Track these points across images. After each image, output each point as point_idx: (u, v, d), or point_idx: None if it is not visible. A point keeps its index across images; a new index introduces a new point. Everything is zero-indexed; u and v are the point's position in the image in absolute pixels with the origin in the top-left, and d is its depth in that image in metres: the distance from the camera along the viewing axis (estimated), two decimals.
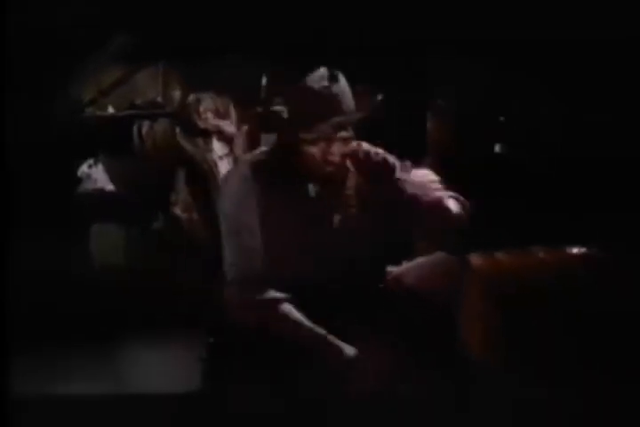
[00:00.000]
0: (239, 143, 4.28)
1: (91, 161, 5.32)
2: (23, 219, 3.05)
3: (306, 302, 2.52)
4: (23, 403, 2.79)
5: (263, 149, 2.76)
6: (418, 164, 3.64)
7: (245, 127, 4.35)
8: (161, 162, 4.77)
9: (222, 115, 4.34)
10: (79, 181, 5.27)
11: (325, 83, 2.50)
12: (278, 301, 2.51)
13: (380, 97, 2.79)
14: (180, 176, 4.44)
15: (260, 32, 4.72)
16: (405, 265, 2.70)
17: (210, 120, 4.36)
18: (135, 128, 5.25)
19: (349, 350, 2.45)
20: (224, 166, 4.18)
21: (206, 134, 4.31)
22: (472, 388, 2.34)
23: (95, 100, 5.44)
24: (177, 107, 4.90)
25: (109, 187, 5.33)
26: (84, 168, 5.32)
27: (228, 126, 4.31)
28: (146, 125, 5.19)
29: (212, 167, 4.13)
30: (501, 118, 4.09)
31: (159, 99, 5.39)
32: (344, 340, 2.48)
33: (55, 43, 4.64)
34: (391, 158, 2.72)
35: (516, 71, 4.13)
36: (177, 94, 5.33)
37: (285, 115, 2.57)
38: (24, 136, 3.62)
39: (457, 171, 2.84)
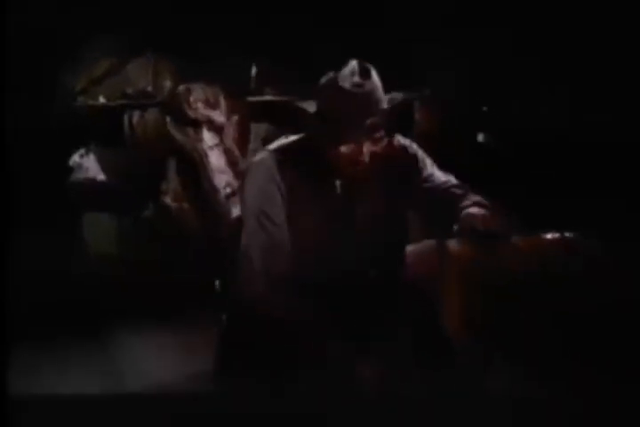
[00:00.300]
0: (229, 133, 4.32)
1: (82, 150, 5.33)
2: (15, 209, 3.06)
3: (322, 298, 2.46)
4: (21, 398, 2.79)
5: (287, 139, 2.63)
6: None
7: (235, 117, 4.38)
8: (152, 151, 4.79)
9: (212, 105, 4.38)
10: (71, 170, 5.28)
11: (357, 79, 2.41)
12: (298, 301, 2.44)
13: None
14: (171, 166, 4.47)
15: (250, 23, 4.73)
16: (410, 247, 2.69)
17: (200, 110, 4.39)
18: (126, 118, 5.27)
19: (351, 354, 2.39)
20: (214, 156, 4.22)
21: (196, 124, 4.34)
22: (454, 373, 2.37)
23: (87, 89, 5.44)
24: (167, 97, 4.92)
25: (101, 176, 5.34)
26: (75, 158, 5.33)
27: (218, 116, 4.34)
28: (137, 115, 5.21)
29: (203, 157, 4.17)
30: (484, 108, 4.12)
31: (150, 89, 5.40)
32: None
33: (48, 39, 4.65)
34: (419, 153, 2.70)
35: (502, 60, 4.15)
36: (167, 84, 5.34)
37: (314, 113, 2.50)
38: (17, 126, 3.63)
39: (443, 159, 2.85)
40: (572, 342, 2.38)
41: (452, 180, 2.73)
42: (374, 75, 2.47)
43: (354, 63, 2.47)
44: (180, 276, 4.38)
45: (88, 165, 5.34)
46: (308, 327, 2.41)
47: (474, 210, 2.54)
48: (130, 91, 5.43)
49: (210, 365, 2.72)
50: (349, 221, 2.56)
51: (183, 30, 4.87)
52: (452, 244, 2.47)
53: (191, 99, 4.46)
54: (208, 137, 4.27)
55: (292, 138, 2.61)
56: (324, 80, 2.48)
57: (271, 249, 2.47)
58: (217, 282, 2.85)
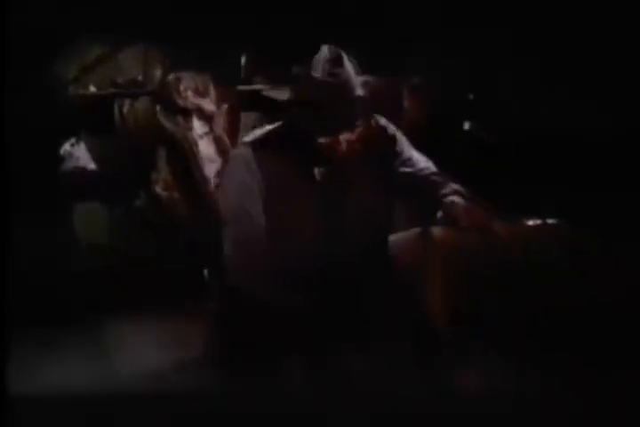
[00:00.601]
0: (219, 122, 4.32)
1: (73, 140, 5.33)
2: (5, 199, 3.07)
3: (310, 284, 2.50)
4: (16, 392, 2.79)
5: (263, 130, 2.66)
6: None
7: (225, 106, 4.38)
8: (142, 140, 4.79)
9: (202, 93, 4.38)
10: (61, 159, 5.28)
11: (330, 68, 2.42)
12: (275, 290, 2.48)
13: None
14: (161, 155, 4.48)
15: (241, 12, 4.73)
16: (393, 236, 2.69)
17: (190, 99, 4.39)
18: (116, 107, 5.27)
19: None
20: (204, 145, 4.22)
21: (186, 113, 4.34)
22: (437, 359, 2.39)
23: (78, 78, 5.43)
24: (157, 85, 4.91)
25: (91, 165, 5.35)
26: (66, 147, 5.33)
27: (208, 105, 4.34)
28: (127, 104, 5.21)
29: (193, 146, 4.17)
30: (470, 96, 4.13)
31: (140, 78, 5.39)
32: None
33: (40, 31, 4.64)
34: (398, 134, 2.70)
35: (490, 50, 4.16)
36: (158, 73, 5.33)
37: (289, 102, 2.50)
38: (8, 116, 3.64)
39: (430, 147, 2.87)
40: (556, 330, 2.39)
41: (432, 166, 2.72)
42: (347, 61, 2.48)
43: (325, 50, 2.46)
44: (171, 265, 4.39)
45: (78, 154, 5.33)
46: (295, 317, 2.43)
47: (456, 199, 2.54)
48: (120, 80, 5.42)
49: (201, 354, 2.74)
50: (331, 208, 2.57)
51: (173, 19, 4.87)
52: (436, 231, 2.48)
53: (181, 87, 4.46)
54: (198, 126, 4.27)
55: (269, 128, 2.63)
56: (297, 69, 2.48)
57: (247, 242, 2.47)
58: (205, 271, 2.88)
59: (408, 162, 2.68)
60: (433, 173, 2.69)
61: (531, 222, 2.47)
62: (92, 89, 5.41)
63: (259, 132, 2.63)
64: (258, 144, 2.58)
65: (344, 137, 2.45)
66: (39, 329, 3.93)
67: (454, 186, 2.65)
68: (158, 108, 4.31)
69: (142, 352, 3.72)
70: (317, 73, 2.40)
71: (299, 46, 4.36)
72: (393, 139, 2.68)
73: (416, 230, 2.59)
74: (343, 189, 2.58)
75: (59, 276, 4.58)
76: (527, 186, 3.71)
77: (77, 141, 5.33)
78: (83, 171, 5.30)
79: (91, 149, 5.32)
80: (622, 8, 3.90)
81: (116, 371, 3.56)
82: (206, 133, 4.25)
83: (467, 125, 4.10)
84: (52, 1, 4.56)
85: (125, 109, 5.15)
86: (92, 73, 5.38)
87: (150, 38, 5.29)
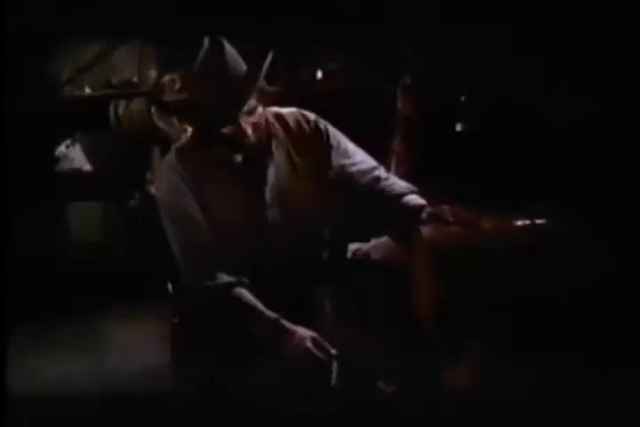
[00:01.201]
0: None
1: (68, 141, 5.35)
2: (3, 200, 3.08)
3: (260, 280, 2.50)
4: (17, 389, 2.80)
5: (187, 133, 2.72)
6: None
7: None
8: (137, 141, 4.82)
9: None
10: (57, 160, 5.30)
11: (210, 61, 2.43)
12: (229, 285, 2.49)
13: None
14: (156, 155, 4.50)
15: (235, 12, 4.74)
16: (374, 241, 2.71)
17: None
18: (112, 108, 5.28)
19: (303, 333, 2.43)
20: None
21: None
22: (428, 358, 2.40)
23: (73, 78, 5.45)
24: (152, 86, 4.92)
25: (86, 166, 5.37)
26: (61, 148, 5.35)
27: None
28: (122, 105, 5.23)
29: None
30: (462, 98, 4.16)
31: (135, 78, 5.41)
32: (300, 319, 2.46)
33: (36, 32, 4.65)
34: (330, 129, 2.67)
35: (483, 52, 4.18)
36: (153, 74, 5.34)
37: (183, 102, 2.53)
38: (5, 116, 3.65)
39: (423, 146, 2.88)
40: (543, 327, 2.41)
41: (371, 160, 2.71)
42: (228, 50, 2.49)
43: (206, 44, 2.48)
44: (165, 264, 4.40)
45: (74, 155, 5.36)
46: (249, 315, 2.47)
47: (415, 198, 2.58)
48: (115, 80, 5.44)
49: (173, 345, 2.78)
50: (261, 197, 2.57)
51: (168, 20, 4.87)
52: (426, 230, 2.49)
53: (176, 88, 4.46)
54: None
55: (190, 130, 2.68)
56: (181, 68, 2.50)
57: (187, 241, 2.53)
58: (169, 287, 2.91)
59: (345, 154, 2.68)
60: (374, 168, 2.69)
61: (520, 220, 2.47)
62: (87, 90, 5.43)
63: (182, 139, 2.71)
64: (181, 147, 2.65)
65: (244, 121, 2.47)
66: (38, 329, 3.95)
67: (402, 183, 2.66)
68: (153, 108, 4.31)
69: (138, 351, 3.74)
70: (198, 68, 2.43)
71: (298, 47, 4.39)
72: (320, 131, 2.65)
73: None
74: (262, 176, 2.59)
75: (57, 275, 4.60)
76: (519, 184, 3.74)
77: (73, 143, 5.36)
78: (78, 172, 5.32)
79: (86, 150, 5.34)
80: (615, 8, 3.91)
81: (112, 370, 3.58)
82: None
83: (459, 126, 4.13)
84: (47, 2, 4.56)
85: (120, 110, 5.17)
86: (87, 74, 5.40)
87: (145, 39, 5.31)
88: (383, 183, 2.67)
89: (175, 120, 4.26)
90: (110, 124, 5.17)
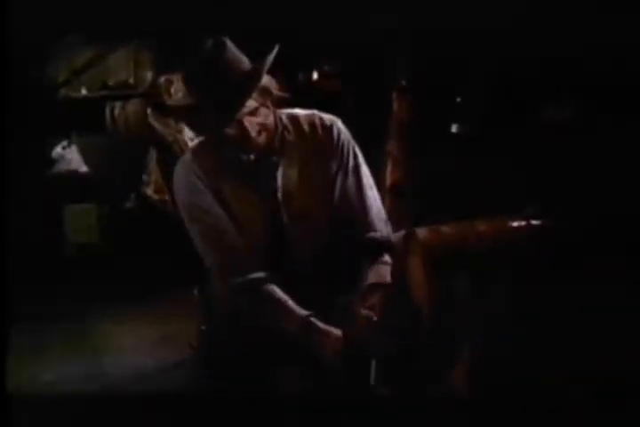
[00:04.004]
0: None
1: (65, 142, 5.36)
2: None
3: (280, 278, 2.48)
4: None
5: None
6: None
7: None
8: (133, 143, 4.82)
9: None
10: (53, 162, 5.32)
11: (210, 62, 2.37)
12: (260, 280, 2.47)
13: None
14: (152, 157, 4.50)
15: (231, 13, 4.74)
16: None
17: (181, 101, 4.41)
18: (108, 109, 5.29)
19: (337, 332, 2.39)
20: None
21: None
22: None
23: (69, 80, 5.46)
24: (148, 88, 4.94)
25: (83, 168, 5.38)
26: (58, 149, 5.37)
27: None
28: (118, 106, 5.24)
29: (183, 148, 4.19)
30: (458, 99, 4.17)
31: (131, 80, 5.42)
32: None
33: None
34: (344, 137, 2.61)
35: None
36: (148, 75, 5.36)
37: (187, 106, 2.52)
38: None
39: (419, 148, 2.88)
40: (538, 326, 2.43)
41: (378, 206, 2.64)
42: (231, 50, 2.45)
43: (208, 43, 2.43)
44: (162, 266, 4.43)
45: (70, 156, 5.37)
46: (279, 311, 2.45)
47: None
48: (111, 82, 5.45)
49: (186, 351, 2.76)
50: (276, 195, 2.55)
51: (164, 21, 4.88)
52: (421, 231, 2.49)
53: (172, 90, 4.48)
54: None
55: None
56: (184, 70, 2.48)
57: (214, 239, 2.51)
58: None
59: (351, 177, 2.61)
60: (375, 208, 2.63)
61: (515, 221, 2.48)
62: (84, 91, 5.44)
63: (198, 139, 2.69)
64: (196, 148, 2.64)
65: (248, 121, 2.42)
66: (38, 330, 3.96)
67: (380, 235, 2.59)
68: (149, 110, 4.31)
69: (134, 353, 3.76)
70: (196, 67, 2.42)
71: (296, 49, 4.40)
72: (332, 138, 2.58)
73: (399, 234, 2.59)
74: (273, 177, 2.56)
75: (54, 276, 4.62)
76: (515, 185, 3.75)
77: (69, 144, 5.37)
78: (75, 173, 5.33)
79: (83, 152, 5.36)
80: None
81: (110, 371, 3.59)
82: (197, 136, 4.27)
83: (454, 127, 4.14)
84: (44, 3, 4.56)
85: (116, 112, 5.18)
86: (83, 76, 5.41)
87: (141, 40, 5.32)
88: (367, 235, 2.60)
89: (171, 121, 4.28)
90: (106, 125, 5.19)
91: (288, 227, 2.57)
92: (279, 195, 2.57)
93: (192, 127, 2.66)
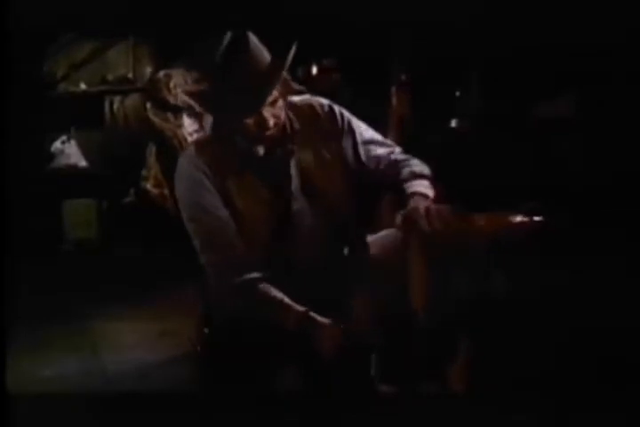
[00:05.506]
0: (209, 119, 4.33)
1: (64, 137, 5.36)
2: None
3: (284, 276, 2.48)
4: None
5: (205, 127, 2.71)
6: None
7: None
8: (132, 137, 4.81)
9: None
10: (52, 156, 5.31)
11: (232, 54, 2.37)
12: (253, 281, 2.46)
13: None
14: (151, 152, 4.49)
15: (232, 7, 4.74)
16: (372, 236, 2.69)
17: (180, 96, 4.39)
18: (107, 104, 5.29)
19: (335, 325, 2.39)
20: None
21: (176, 110, 4.35)
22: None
23: (68, 75, 5.45)
24: (147, 82, 4.92)
25: (82, 163, 5.38)
26: (57, 144, 5.36)
27: None
28: (117, 101, 5.24)
29: (182, 143, 4.18)
30: (457, 93, 4.17)
31: (130, 75, 5.41)
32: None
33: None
34: (346, 115, 2.65)
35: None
36: (148, 70, 5.35)
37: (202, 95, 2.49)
38: None
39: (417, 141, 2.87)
40: (535, 321, 2.42)
41: (397, 152, 2.69)
42: (254, 44, 2.44)
43: (228, 38, 2.42)
44: (160, 262, 4.44)
45: (70, 151, 5.37)
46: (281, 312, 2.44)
47: (417, 203, 2.48)
48: (110, 77, 5.45)
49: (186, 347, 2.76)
50: (286, 189, 2.54)
51: (163, 15, 4.88)
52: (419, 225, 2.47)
53: (171, 84, 4.46)
54: (188, 123, 4.26)
55: (208, 123, 2.68)
56: (202, 59, 2.46)
57: (212, 239, 2.49)
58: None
59: (362, 138, 2.66)
60: (390, 152, 2.68)
61: (514, 217, 2.46)
62: (83, 86, 5.44)
63: (200, 133, 2.72)
64: (200, 142, 2.64)
65: (267, 113, 2.43)
66: (37, 329, 3.96)
67: (417, 184, 2.59)
68: (148, 105, 4.30)
69: (133, 350, 3.76)
70: (220, 61, 2.38)
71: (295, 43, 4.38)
72: (334, 115, 2.63)
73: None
74: (285, 167, 2.56)
75: (53, 272, 4.62)
76: (512, 180, 3.75)
77: (68, 139, 5.36)
78: (74, 168, 5.33)
79: (81, 146, 5.35)
80: None
81: (110, 370, 3.59)
82: (196, 131, 4.25)
83: (453, 122, 4.14)
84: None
85: (115, 106, 5.18)
86: (82, 70, 5.40)
87: (140, 34, 5.31)
88: (399, 166, 2.65)
89: (170, 116, 4.26)
90: (105, 120, 5.19)
91: (300, 217, 2.55)
92: (293, 185, 2.55)
93: (211, 110, 2.59)
